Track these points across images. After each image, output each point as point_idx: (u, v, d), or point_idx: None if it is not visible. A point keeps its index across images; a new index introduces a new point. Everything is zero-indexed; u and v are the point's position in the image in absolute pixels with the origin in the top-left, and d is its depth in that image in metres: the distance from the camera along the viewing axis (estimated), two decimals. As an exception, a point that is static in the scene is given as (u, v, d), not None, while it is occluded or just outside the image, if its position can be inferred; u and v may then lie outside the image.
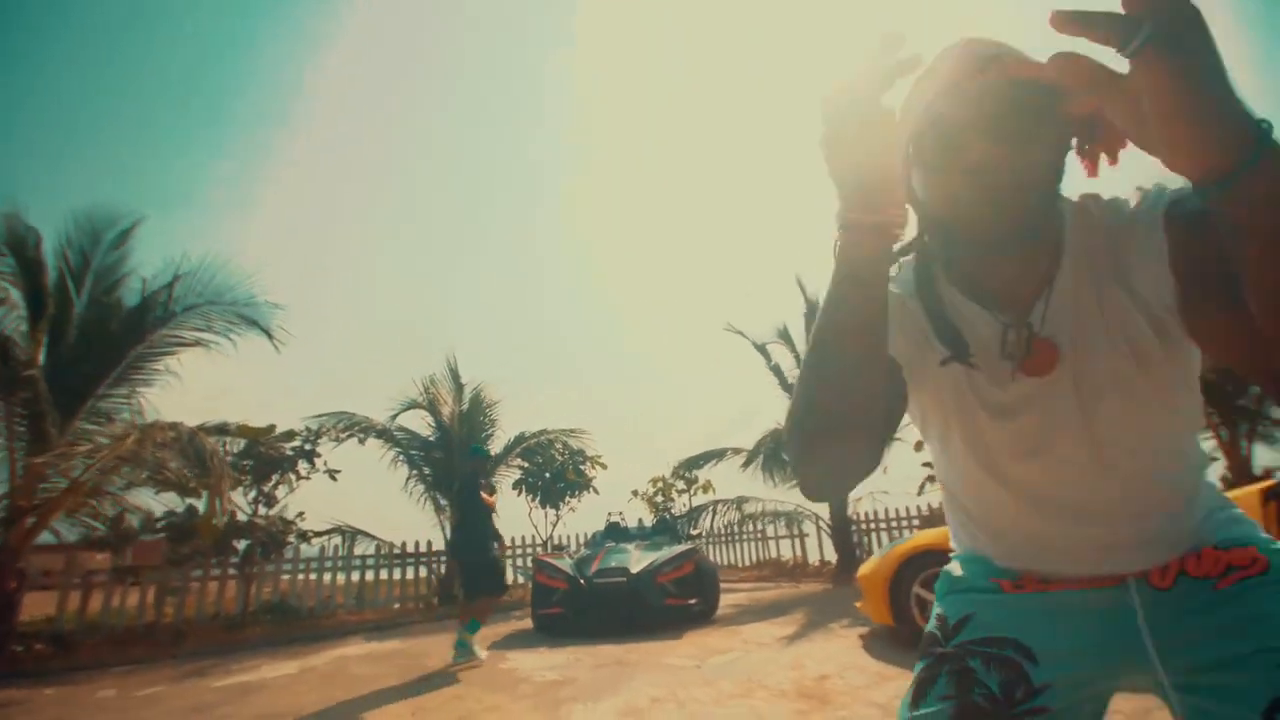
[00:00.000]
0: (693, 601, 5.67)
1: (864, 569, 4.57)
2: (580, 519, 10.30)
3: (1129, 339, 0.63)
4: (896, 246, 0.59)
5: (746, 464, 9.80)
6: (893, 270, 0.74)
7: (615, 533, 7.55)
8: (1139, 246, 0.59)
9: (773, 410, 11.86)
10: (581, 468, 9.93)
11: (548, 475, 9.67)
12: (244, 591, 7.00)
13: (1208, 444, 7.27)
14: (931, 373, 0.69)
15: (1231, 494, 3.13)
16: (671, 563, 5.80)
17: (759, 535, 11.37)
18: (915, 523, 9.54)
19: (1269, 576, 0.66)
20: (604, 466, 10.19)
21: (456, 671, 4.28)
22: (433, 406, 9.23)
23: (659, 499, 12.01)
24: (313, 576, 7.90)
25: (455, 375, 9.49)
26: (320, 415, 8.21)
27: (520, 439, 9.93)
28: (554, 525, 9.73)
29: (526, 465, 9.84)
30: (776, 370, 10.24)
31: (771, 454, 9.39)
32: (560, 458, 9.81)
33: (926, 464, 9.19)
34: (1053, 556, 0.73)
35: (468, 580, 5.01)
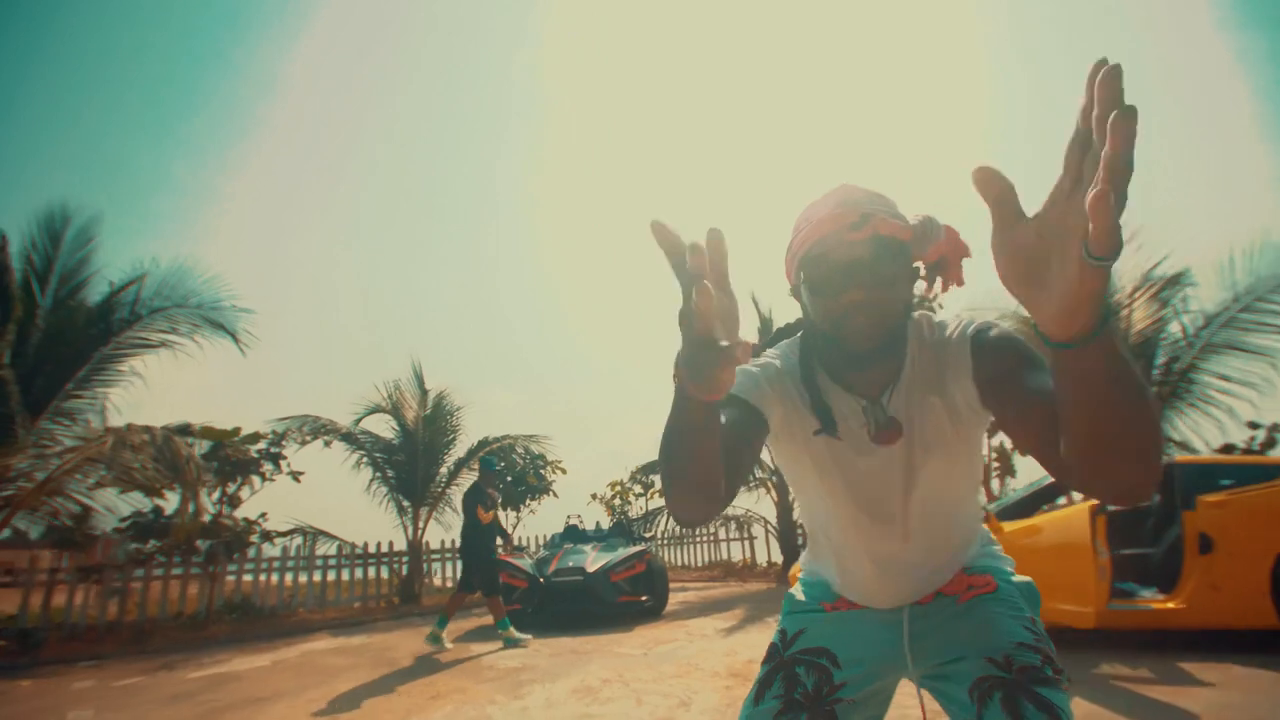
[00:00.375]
0: (644, 598, 6.17)
1: (795, 567, 5.16)
2: (540, 521, 10.66)
3: (938, 429, 0.85)
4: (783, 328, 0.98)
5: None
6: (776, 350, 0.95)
7: (573, 534, 7.97)
8: (953, 364, 0.82)
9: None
10: (542, 472, 10.31)
11: (509, 479, 10.01)
12: (207, 590, 7.13)
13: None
14: (801, 439, 0.88)
15: (1064, 512, 3.82)
16: (625, 562, 6.29)
17: (711, 538, 11.98)
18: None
19: (996, 594, 0.92)
20: (564, 471, 10.61)
21: (432, 654, 4.67)
22: (396, 411, 9.45)
23: (616, 502, 12.48)
24: (274, 576, 8.04)
25: (420, 380, 9.74)
26: (285, 418, 8.37)
27: (483, 443, 10.21)
28: (515, 526, 10.08)
29: (489, 468, 10.18)
30: (731, 382, 10.83)
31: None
32: (521, 462, 10.17)
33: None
34: (867, 592, 0.97)
35: (465, 579, 5.54)
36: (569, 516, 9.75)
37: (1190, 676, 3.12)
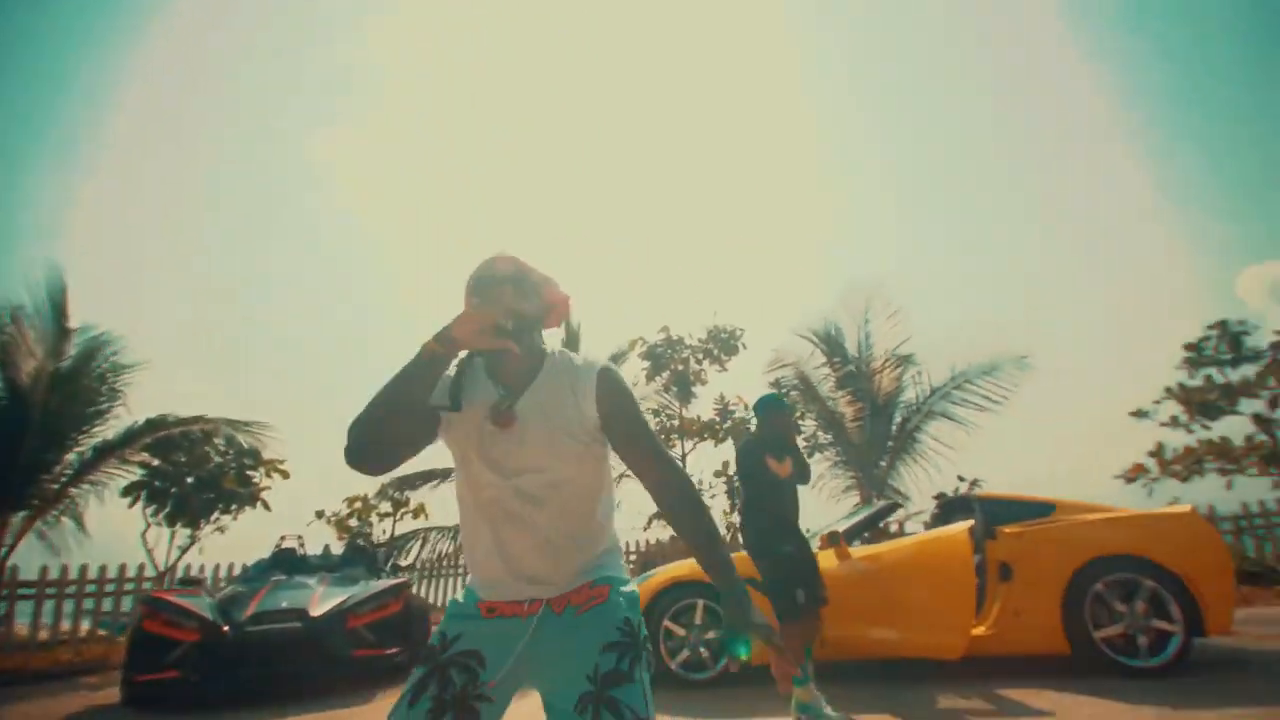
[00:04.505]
0: (393, 651, 4.46)
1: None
2: (235, 544, 7.62)
3: (567, 420, 1.09)
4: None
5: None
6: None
7: (287, 561, 5.75)
8: (581, 383, 1.11)
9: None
10: (249, 474, 7.53)
11: (190, 479, 7.01)
12: None
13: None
14: (455, 420, 1.11)
15: (942, 530, 3.69)
16: (373, 600, 4.55)
17: (464, 569, 10.28)
18: (633, 558, 9.75)
19: (605, 604, 1.07)
20: (284, 474, 7.94)
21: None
22: (4, 355, 5.94)
23: (353, 523, 10.02)
24: None
25: (58, 311, 6.28)
26: None
27: (155, 423, 7.05)
28: (184, 551, 7.00)
29: (158, 463, 7.02)
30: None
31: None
32: (220, 457, 7.28)
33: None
34: (501, 576, 1.09)
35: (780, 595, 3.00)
36: (283, 536, 7.29)
37: (1026, 706, 3.04)
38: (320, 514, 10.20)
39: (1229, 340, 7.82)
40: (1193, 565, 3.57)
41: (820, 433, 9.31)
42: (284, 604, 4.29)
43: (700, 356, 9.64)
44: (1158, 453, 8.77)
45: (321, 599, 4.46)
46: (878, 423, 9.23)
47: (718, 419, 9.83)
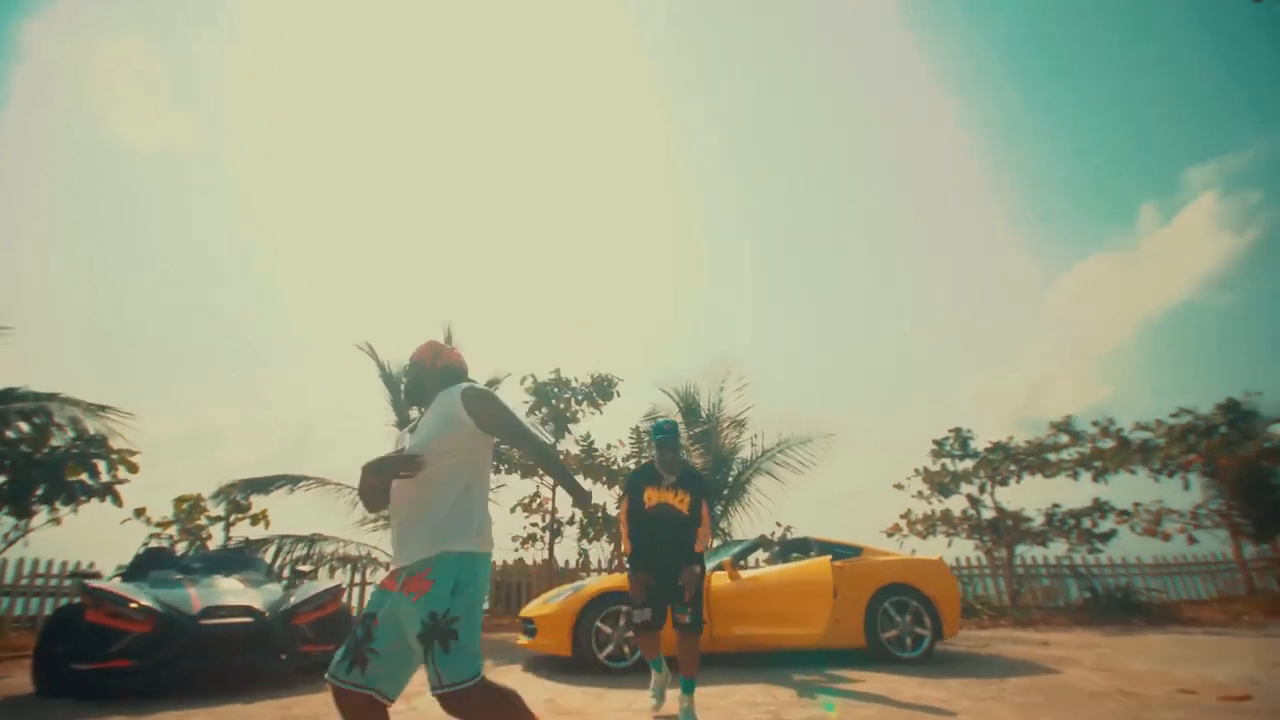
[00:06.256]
0: (330, 648, 4.72)
1: (542, 610, 5.05)
2: (68, 539, 6.50)
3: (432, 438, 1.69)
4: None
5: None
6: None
7: (164, 560, 5.49)
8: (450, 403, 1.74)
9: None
10: (94, 464, 6.69)
11: (26, 463, 6.11)
12: None
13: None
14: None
15: (812, 559, 5.19)
16: (314, 600, 4.76)
17: (311, 579, 9.80)
18: (495, 577, 10.23)
19: (428, 594, 1.50)
20: (134, 469, 7.14)
21: None
22: None
23: (181, 523, 9.07)
24: None
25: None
26: None
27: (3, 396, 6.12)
28: (8, 543, 6.01)
29: (-19, 441, 6.01)
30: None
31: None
32: (64, 442, 6.42)
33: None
34: (394, 541, 1.67)
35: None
36: (151, 534, 6.63)
37: (847, 677, 4.54)
38: (140, 512, 9.02)
39: (960, 441, 11.19)
40: (938, 592, 5.50)
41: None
42: (229, 600, 4.36)
43: (580, 399, 10.57)
44: (907, 516, 11.83)
45: (261, 597, 4.57)
46: (717, 474, 11.07)
47: (583, 455, 10.76)
